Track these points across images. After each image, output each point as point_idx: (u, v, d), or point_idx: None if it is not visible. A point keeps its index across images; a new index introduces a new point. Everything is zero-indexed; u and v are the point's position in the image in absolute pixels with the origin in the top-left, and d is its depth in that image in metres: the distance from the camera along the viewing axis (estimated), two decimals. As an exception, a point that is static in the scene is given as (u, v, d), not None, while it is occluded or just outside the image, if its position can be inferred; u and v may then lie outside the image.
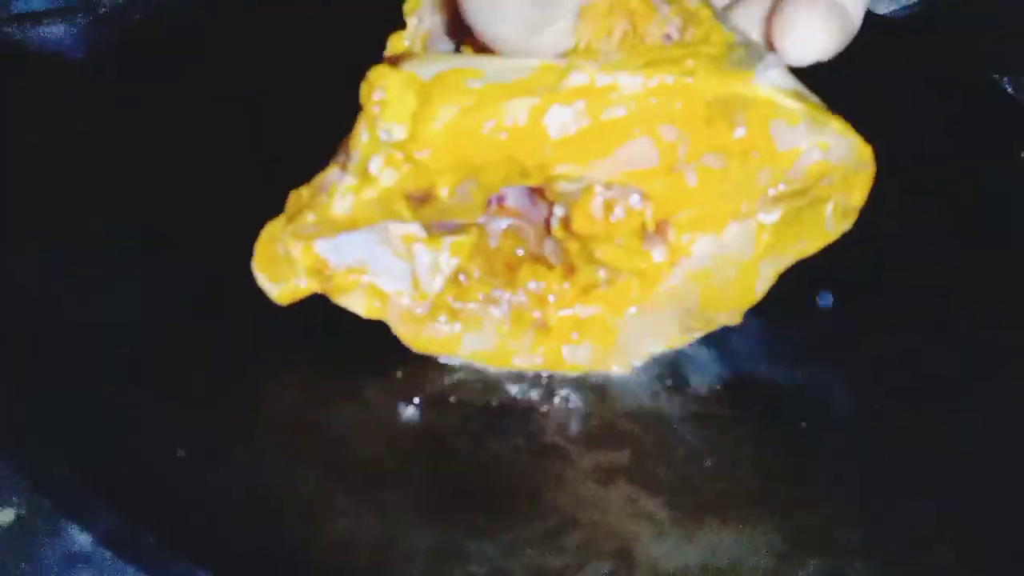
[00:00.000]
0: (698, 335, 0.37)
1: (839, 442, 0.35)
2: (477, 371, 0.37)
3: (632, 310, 0.36)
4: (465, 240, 0.36)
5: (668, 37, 0.33)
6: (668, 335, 0.37)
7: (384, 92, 0.31)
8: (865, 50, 0.51)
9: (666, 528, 0.31)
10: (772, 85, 0.31)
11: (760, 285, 0.36)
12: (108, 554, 0.34)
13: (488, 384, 0.36)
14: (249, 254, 0.36)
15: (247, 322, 0.36)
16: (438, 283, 0.36)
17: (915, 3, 0.62)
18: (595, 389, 0.36)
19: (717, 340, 0.37)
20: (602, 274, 0.36)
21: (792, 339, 0.38)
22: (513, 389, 0.36)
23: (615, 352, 0.37)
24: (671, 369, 0.37)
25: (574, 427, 0.35)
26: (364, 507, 0.31)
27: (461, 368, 0.36)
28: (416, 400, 0.35)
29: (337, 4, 0.51)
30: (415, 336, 0.37)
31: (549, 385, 0.36)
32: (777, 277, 0.36)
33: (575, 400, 0.36)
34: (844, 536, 0.32)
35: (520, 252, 0.37)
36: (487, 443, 0.34)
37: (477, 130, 0.31)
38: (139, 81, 0.46)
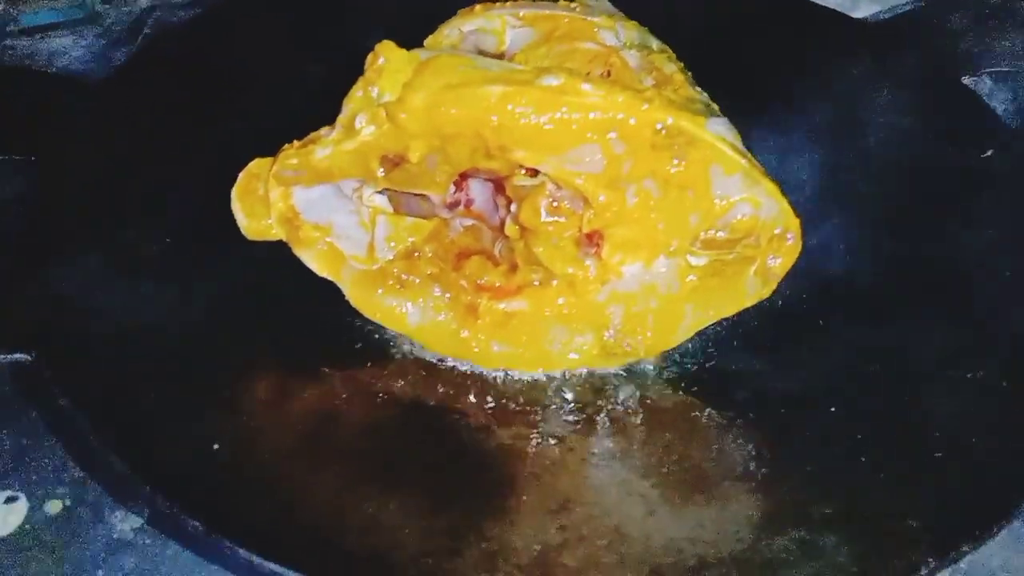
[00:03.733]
0: (618, 363, 0.40)
1: (815, 425, 0.38)
2: (479, 373, 0.40)
3: (555, 315, 0.39)
4: (425, 224, 0.40)
5: (641, 83, 0.37)
6: (589, 351, 0.40)
7: (386, 60, 0.35)
8: (840, 53, 0.54)
9: (656, 506, 0.34)
10: (719, 135, 0.35)
11: (681, 330, 0.39)
12: (149, 540, 0.37)
13: (489, 381, 0.39)
14: (269, 258, 0.39)
15: (274, 322, 0.40)
16: (390, 253, 0.40)
17: (901, 5, 0.64)
18: (590, 382, 0.40)
19: (702, 333, 0.40)
20: (536, 277, 0.40)
21: (771, 331, 0.41)
22: (513, 384, 0.39)
23: (538, 355, 0.40)
24: (661, 360, 0.40)
25: (571, 418, 0.38)
26: (385, 493, 0.34)
27: (463, 369, 0.40)
28: (428, 400, 0.38)
29: (347, 22, 0.53)
30: (366, 301, 0.40)
31: (547, 380, 0.39)
32: (694, 333, 0.39)
33: (571, 393, 0.39)
34: (819, 510, 0.35)
35: (473, 247, 0.41)
36: (493, 434, 0.37)
37: (454, 104, 0.35)
38: (150, 94, 0.48)
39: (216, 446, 0.34)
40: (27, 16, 0.65)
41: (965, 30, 0.57)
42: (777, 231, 0.37)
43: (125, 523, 0.38)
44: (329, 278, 0.40)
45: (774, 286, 0.39)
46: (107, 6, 0.66)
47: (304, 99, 0.46)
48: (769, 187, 0.37)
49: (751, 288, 0.39)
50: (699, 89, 0.39)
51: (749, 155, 0.37)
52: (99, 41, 0.63)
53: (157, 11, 0.64)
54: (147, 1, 0.66)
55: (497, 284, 0.40)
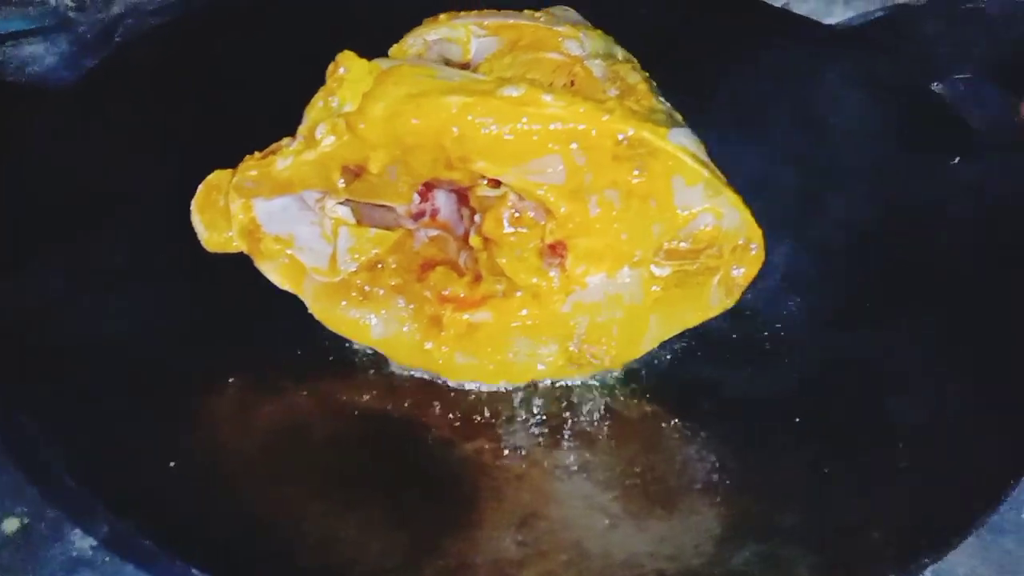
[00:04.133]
0: (582, 373, 0.40)
1: (778, 436, 0.38)
2: (443, 384, 0.39)
3: (520, 326, 0.39)
4: (389, 234, 0.40)
5: (604, 93, 0.36)
6: (554, 362, 0.39)
7: (346, 71, 0.35)
8: (811, 59, 0.54)
9: (618, 520, 0.34)
10: (680, 145, 0.35)
11: (646, 341, 0.39)
12: (108, 558, 0.37)
13: (455, 392, 0.39)
14: (240, 275, 0.39)
15: (236, 339, 0.39)
16: (352, 265, 0.40)
17: (877, 10, 0.64)
18: (555, 393, 0.39)
19: (667, 343, 0.40)
20: (500, 288, 0.39)
21: (735, 341, 0.41)
22: (479, 396, 0.39)
23: (503, 366, 0.39)
24: (625, 373, 0.40)
25: (536, 430, 0.38)
26: (343, 509, 0.34)
27: (427, 381, 0.39)
28: (393, 413, 0.38)
29: (318, 32, 0.53)
30: (329, 314, 0.40)
31: (512, 392, 0.39)
32: (658, 344, 0.39)
33: (536, 404, 0.39)
34: (781, 522, 0.35)
35: (437, 258, 0.41)
36: (457, 447, 0.37)
37: (414, 114, 0.35)
38: (123, 101, 0.48)
39: (172, 463, 0.34)
40: (-2, 23, 0.64)
41: (936, 36, 0.57)
42: (740, 241, 0.37)
43: (84, 540, 0.37)
44: (291, 291, 0.39)
45: (738, 296, 0.39)
46: (80, 13, 0.66)
47: (272, 108, 0.46)
48: (731, 197, 0.36)
49: (715, 298, 0.39)
50: (663, 99, 0.39)
51: (711, 165, 0.37)
52: (71, 48, 0.62)
53: (129, 19, 0.64)
54: (120, 8, 0.66)
55: (461, 295, 0.40)
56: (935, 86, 0.54)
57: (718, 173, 0.36)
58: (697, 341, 0.41)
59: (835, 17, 0.67)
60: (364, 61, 0.36)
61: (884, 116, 0.51)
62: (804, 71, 0.53)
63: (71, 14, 0.66)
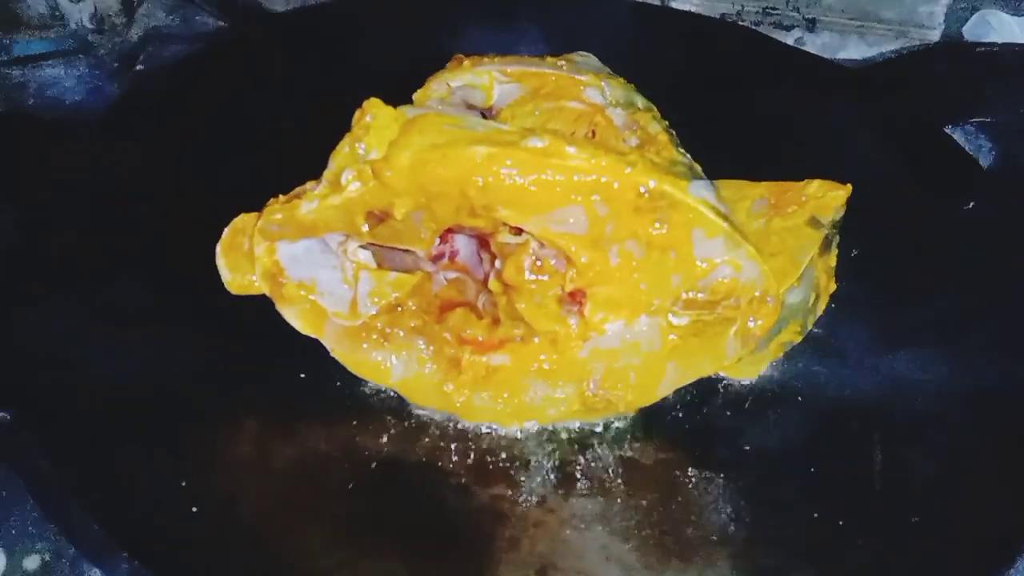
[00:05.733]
0: (599, 417, 0.40)
1: (794, 486, 0.38)
2: (460, 428, 0.40)
3: (537, 370, 0.40)
4: (408, 278, 0.40)
5: (625, 143, 0.37)
6: (569, 406, 0.40)
7: (373, 118, 0.36)
8: (823, 100, 0.54)
9: (634, 571, 0.35)
10: (701, 198, 0.35)
11: (662, 387, 0.40)
12: (127, 597, 0.37)
13: (472, 436, 0.39)
14: (261, 317, 0.39)
15: (256, 377, 0.40)
16: (373, 309, 0.40)
17: (890, 51, 0.65)
18: (571, 440, 0.40)
19: (682, 389, 0.41)
20: (519, 332, 0.40)
21: (750, 389, 0.42)
22: (496, 440, 0.39)
23: (520, 409, 0.40)
24: (641, 419, 0.40)
25: (553, 477, 0.38)
26: (361, 556, 0.34)
27: (444, 425, 0.40)
28: (410, 457, 0.38)
29: (338, 69, 0.53)
30: (350, 356, 0.40)
31: (528, 438, 0.40)
32: (674, 389, 0.40)
33: (552, 451, 0.39)
34: (799, 574, 0.35)
35: (456, 300, 0.41)
36: (474, 495, 0.37)
37: (440, 163, 0.35)
38: (146, 137, 0.48)
39: (195, 508, 0.34)
40: (19, 45, 0.65)
41: (949, 78, 0.58)
42: (757, 293, 0.38)
43: (104, 579, 0.38)
44: (312, 336, 0.40)
45: (753, 347, 0.39)
46: (100, 36, 0.66)
47: (292, 149, 0.46)
48: (750, 251, 0.37)
49: (731, 349, 0.39)
50: (682, 150, 0.39)
51: (731, 219, 0.37)
52: (91, 71, 0.63)
53: (150, 46, 0.64)
54: (139, 31, 0.66)
55: (480, 337, 0.40)
56: (948, 129, 0.55)
57: (737, 226, 0.37)
58: (711, 388, 0.41)
59: (849, 52, 0.67)
60: (390, 108, 0.36)
61: (897, 158, 0.51)
62: (816, 112, 0.53)
63: (91, 37, 0.66)
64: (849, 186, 0.42)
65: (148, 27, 0.66)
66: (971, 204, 0.49)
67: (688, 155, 0.39)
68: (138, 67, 0.62)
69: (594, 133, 0.39)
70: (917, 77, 0.58)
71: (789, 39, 0.67)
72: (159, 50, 0.63)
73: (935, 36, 0.66)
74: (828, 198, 0.41)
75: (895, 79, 0.58)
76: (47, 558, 0.38)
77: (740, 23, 0.67)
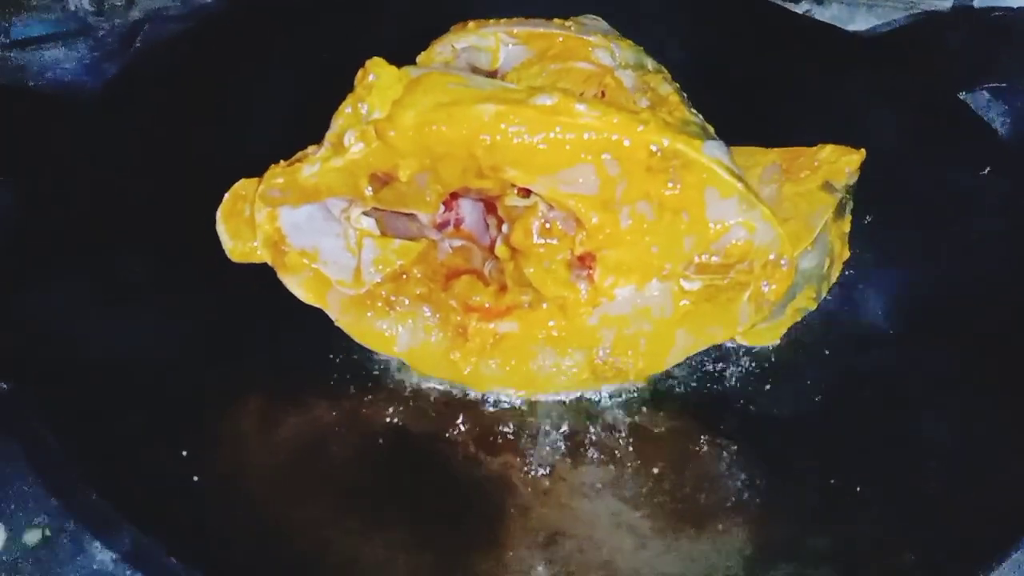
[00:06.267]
0: (608, 385, 0.39)
1: (809, 453, 0.37)
2: (468, 398, 0.39)
3: (546, 337, 0.39)
4: (413, 245, 0.39)
5: (635, 104, 0.36)
6: (578, 374, 0.39)
7: (376, 77, 0.35)
8: (835, 68, 0.53)
9: (647, 539, 0.34)
10: (715, 157, 0.34)
11: (673, 355, 0.39)
12: (129, 572, 0.37)
13: (479, 406, 0.39)
14: (264, 286, 0.38)
15: (259, 348, 0.39)
16: (377, 277, 0.39)
17: (900, 18, 0.63)
18: (580, 409, 0.39)
19: (693, 356, 0.40)
20: (527, 298, 0.39)
21: (763, 356, 0.41)
22: (503, 410, 0.39)
23: (528, 377, 0.39)
24: (650, 389, 0.40)
25: (562, 446, 0.37)
26: (368, 527, 0.33)
27: (452, 394, 0.39)
28: (417, 428, 0.37)
29: (340, 37, 0.53)
30: (354, 326, 0.39)
31: (537, 406, 0.39)
32: (684, 356, 0.39)
33: (562, 420, 0.38)
34: (812, 543, 0.34)
35: (462, 268, 0.40)
36: (482, 464, 0.36)
37: (445, 123, 0.34)
38: (145, 110, 0.47)
39: (196, 478, 0.33)
40: (18, 28, 0.64)
41: (962, 45, 0.56)
42: (771, 257, 0.37)
43: (106, 553, 0.37)
44: (315, 305, 0.39)
45: (767, 313, 0.38)
46: (99, 18, 0.66)
47: (294, 116, 0.45)
48: (765, 212, 0.36)
49: (744, 314, 0.38)
50: (694, 111, 0.38)
51: (745, 179, 0.36)
52: (91, 53, 0.62)
53: (147, 24, 0.64)
54: (139, 13, 0.65)
55: (487, 304, 0.39)
56: (963, 95, 0.54)
57: (752, 187, 0.36)
58: (722, 355, 0.40)
59: (857, 24, 0.66)
60: (394, 68, 0.36)
61: (912, 125, 0.50)
62: (828, 80, 0.52)
63: (91, 19, 0.66)
64: (863, 150, 0.41)
65: (147, 8, 0.65)
66: (987, 170, 0.48)
67: (700, 116, 0.38)
68: (136, 44, 0.62)
69: (604, 94, 0.38)
70: (930, 43, 0.57)
71: (798, 11, 0.66)
72: (158, 29, 0.63)
73: (946, 7, 0.65)
74: (841, 162, 0.41)
75: (908, 45, 0.57)
76: (47, 533, 0.38)
77: (749, -6, 0.66)
